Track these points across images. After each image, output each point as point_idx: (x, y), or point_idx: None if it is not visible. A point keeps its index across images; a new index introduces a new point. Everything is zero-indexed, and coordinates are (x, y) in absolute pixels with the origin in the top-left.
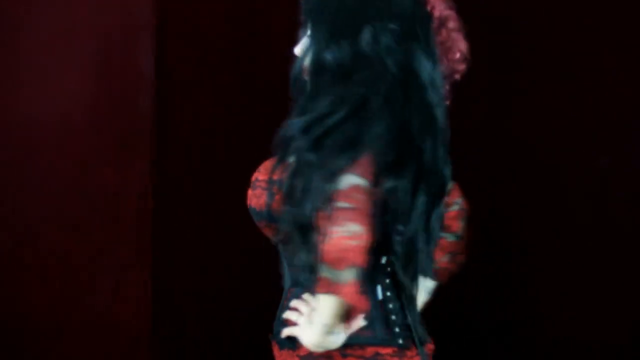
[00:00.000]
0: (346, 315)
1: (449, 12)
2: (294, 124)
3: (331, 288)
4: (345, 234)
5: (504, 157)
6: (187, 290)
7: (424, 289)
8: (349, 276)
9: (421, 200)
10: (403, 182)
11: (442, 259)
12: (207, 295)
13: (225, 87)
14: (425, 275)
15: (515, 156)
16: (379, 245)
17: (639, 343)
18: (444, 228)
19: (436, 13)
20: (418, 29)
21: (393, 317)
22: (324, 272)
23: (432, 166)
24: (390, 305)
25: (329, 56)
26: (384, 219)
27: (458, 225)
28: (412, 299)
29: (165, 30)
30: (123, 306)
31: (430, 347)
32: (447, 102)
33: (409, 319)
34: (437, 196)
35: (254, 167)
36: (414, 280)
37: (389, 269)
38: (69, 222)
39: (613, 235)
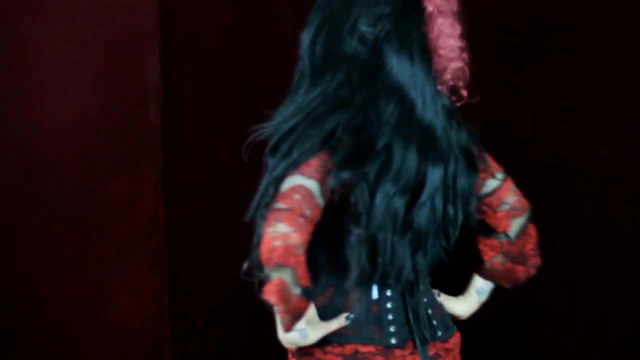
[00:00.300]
0: (293, 313)
1: (441, 8)
2: (267, 127)
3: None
4: (273, 234)
5: (504, 155)
6: (203, 293)
7: (475, 289)
8: (275, 276)
9: (381, 199)
10: (359, 178)
11: (494, 259)
12: (222, 298)
13: (232, 94)
14: (402, 278)
15: (515, 154)
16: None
17: (639, 343)
18: (494, 228)
19: (429, 8)
20: (394, 29)
21: (389, 317)
22: (264, 272)
23: (400, 166)
24: (389, 305)
25: (307, 59)
26: (344, 219)
27: (507, 225)
28: (415, 298)
29: (170, 40)
30: (140, 311)
31: (443, 345)
32: (459, 102)
33: (410, 318)
34: (408, 196)
35: (262, 172)
36: (384, 281)
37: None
38: (84, 231)
39: (614, 233)
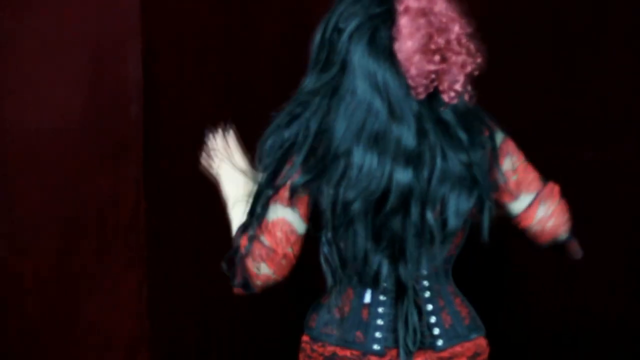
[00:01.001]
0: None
1: (409, 7)
2: None
3: None
4: (255, 271)
5: None
6: (182, 291)
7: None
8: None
9: (341, 204)
10: (321, 183)
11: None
12: (202, 296)
13: (214, 92)
14: (379, 285)
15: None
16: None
17: (636, 341)
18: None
19: (399, 8)
20: (362, 30)
21: (378, 322)
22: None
23: (359, 171)
24: (380, 310)
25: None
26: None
27: (545, 241)
28: (405, 305)
29: (152, 37)
30: (118, 309)
31: (436, 354)
32: (442, 106)
33: (399, 326)
34: (373, 202)
35: None
36: (356, 284)
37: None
38: (63, 229)
39: (611, 232)
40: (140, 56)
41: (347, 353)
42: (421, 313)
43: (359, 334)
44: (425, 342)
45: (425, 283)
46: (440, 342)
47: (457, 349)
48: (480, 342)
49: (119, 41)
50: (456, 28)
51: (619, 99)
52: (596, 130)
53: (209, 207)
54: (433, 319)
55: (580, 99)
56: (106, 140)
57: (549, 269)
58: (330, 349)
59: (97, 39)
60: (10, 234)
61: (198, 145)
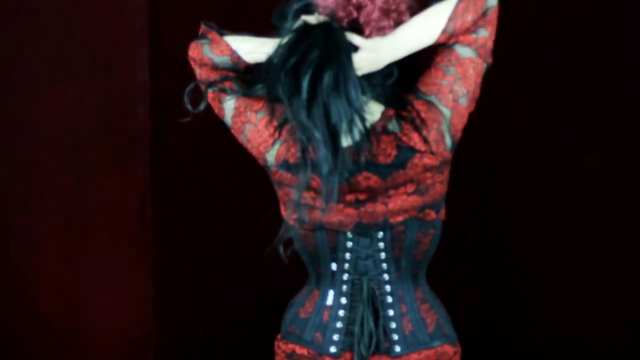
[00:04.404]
0: None
1: None
2: None
3: None
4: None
5: (496, 157)
6: (188, 290)
7: None
8: None
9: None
10: None
11: None
12: (207, 295)
13: None
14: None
15: (507, 156)
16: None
17: (636, 343)
18: None
19: None
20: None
21: (337, 325)
22: None
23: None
24: (340, 313)
25: None
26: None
27: None
28: (361, 309)
29: (159, 41)
30: (126, 308)
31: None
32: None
33: (355, 330)
34: None
35: (250, 170)
36: (341, 289)
37: (345, 276)
38: (70, 228)
39: (608, 236)
40: (148, 59)
41: (305, 352)
42: (378, 318)
43: (317, 334)
44: (381, 347)
45: (388, 288)
46: (398, 349)
47: (414, 356)
48: (444, 350)
49: (126, 44)
50: None
51: (622, 102)
52: (598, 134)
53: (215, 206)
54: (393, 325)
55: (582, 103)
56: (114, 141)
57: (548, 278)
58: (290, 346)
59: (105, 42)
60: (20, 234)
61: (204, 146)
